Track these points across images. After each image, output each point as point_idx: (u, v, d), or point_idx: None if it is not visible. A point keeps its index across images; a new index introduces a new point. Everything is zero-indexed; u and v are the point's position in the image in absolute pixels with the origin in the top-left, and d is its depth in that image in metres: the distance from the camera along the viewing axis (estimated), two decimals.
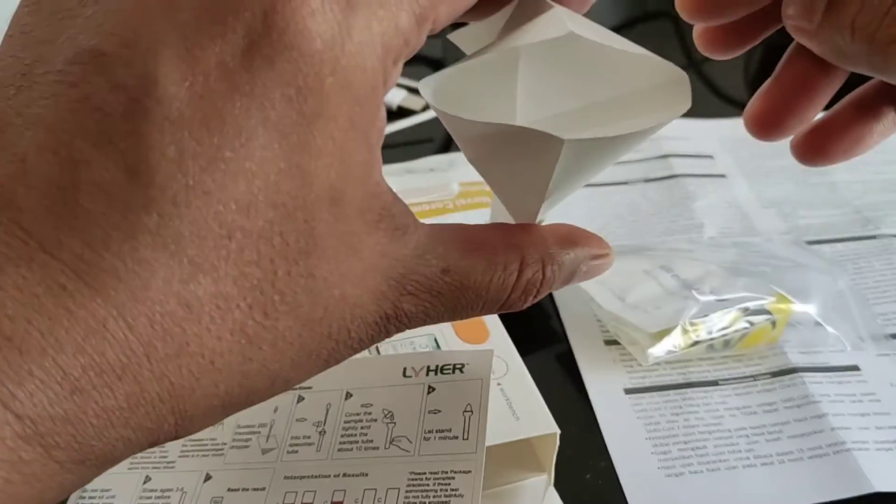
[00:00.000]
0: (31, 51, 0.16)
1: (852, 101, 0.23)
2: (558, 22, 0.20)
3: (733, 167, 0.47)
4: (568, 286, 0.22)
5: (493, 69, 0.21)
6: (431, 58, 0.55)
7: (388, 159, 0.49)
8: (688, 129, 0.50)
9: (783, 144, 0.51)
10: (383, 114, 0.17)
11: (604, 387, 0.35)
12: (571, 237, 0.21)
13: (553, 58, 0.21)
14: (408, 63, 0.56)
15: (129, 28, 0.15)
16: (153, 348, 0.15)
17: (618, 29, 0.62)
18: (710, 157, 0.48)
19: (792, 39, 0.22)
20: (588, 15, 0.63)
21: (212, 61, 0.14)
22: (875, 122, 0.23)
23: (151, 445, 0.16)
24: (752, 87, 0.56)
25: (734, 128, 0.50)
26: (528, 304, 0.20)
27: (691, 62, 0.56)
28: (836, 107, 0.23)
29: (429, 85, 0.19)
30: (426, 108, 0.50)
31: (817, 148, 0.24)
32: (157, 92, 0.14)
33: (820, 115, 0.24)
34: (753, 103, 0.24)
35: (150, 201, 0.14)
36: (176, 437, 0.16)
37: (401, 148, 0.48)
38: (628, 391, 0.35)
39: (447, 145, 0.48)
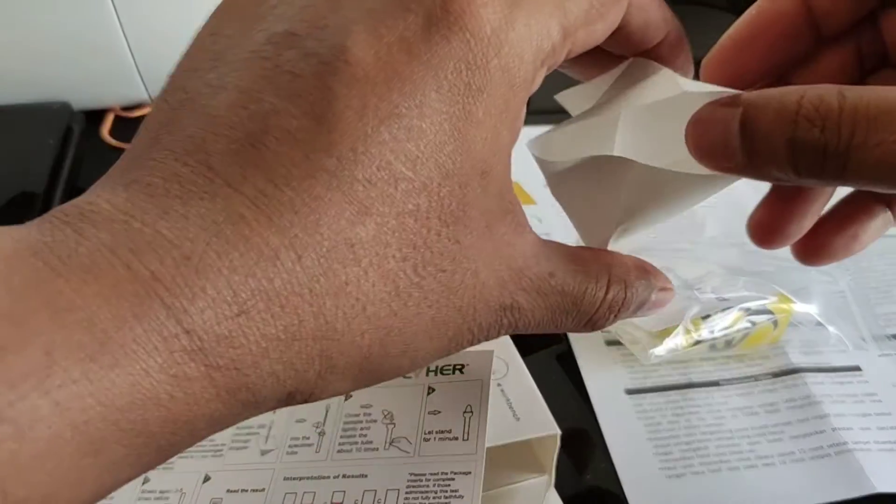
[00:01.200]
0: (221, 43, 0.18)
1: (845, 202, 0.24)
2: (670, 82, 0.21)
3: None
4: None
5: (595, 129, 0.22)
6: None
7: None
8: None
9: None
10: (524, 113, 0.19)
11: (605, 387, 0.35)
12: (645, 267, 0.23)
13: (653, 118, 0.22)
14: None
15: (318, 15, 0.17)
16: (317, 282, 0.15)
17: None
18: None
19: None
20: None
21: (395, 35, 0.16)
22: (868, 219, 0.24)
23: (290, 398, 0.16)
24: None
25: None
26: (608, 324, 0.22)
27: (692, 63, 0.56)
28: (831, 208, 0.25)
29: (536, 144, 0.22)
30: None
31: (816, 248, 0.25)
32: (345, 55, 0.16)
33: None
34: (754, 214, 0.26)
35: (331, 145, 0.15)
36: (311, 394, 0.17)
37: None
38: (629, 392, 0.35)
39: None
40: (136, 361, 0.14)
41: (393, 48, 0.16)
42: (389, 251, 0.16)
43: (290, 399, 0.17)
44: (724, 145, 0.19)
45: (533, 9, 0.17)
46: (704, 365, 0.35)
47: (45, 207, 0.36)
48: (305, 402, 0.17)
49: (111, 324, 0.14)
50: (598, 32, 0.20)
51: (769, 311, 0.35)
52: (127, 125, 0.50)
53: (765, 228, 0.25)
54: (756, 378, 0.35)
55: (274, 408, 0.17)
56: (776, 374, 0.35)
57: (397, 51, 0.16)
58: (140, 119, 0.50)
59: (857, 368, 0.35)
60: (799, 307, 0.35)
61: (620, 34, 0.21)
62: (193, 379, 0.15)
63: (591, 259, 0.21)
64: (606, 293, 0.21)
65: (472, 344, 0.19)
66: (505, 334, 0.20)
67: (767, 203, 0.25)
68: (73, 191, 0.40)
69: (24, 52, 0.45)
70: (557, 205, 0.46)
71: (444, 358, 0.21)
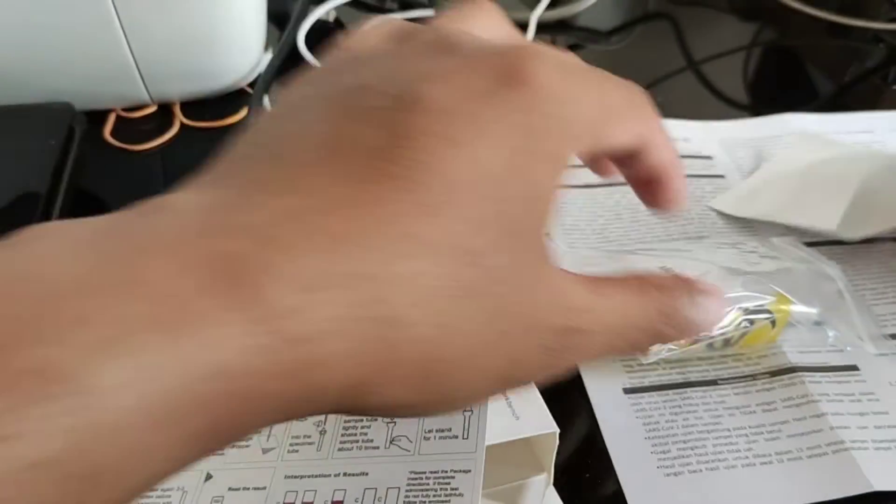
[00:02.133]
0: (298, 102, 0.20)
1: None
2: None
3: (732, 168, 0.47)
4: None
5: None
6: None
7: None
8: (687, 130, 0.50)
9: (782, 144, 0.51)
10: (567, 166, 0.20)
11: (603, 386, 0.35)
12: (679, 276, 0.23)
13: None
14: None
15: (392, 72, 0.19)
16: (385, 270, 0.16)
17: (618, 30, 0.62)
18: (710, 157, 0.48)
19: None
20: (589, 15, 0.63)
21: (464, 84, 0.18)
22: None
23: (352, 393, 0.17)
24: (752, 89, 0.56)
25: (734, 129, 0.50)
26: (671, 335, 0.22)
27: (690, 63, 0.56)
28: None
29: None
30: None
31: None
32: (418, 94, 0.18)
33: None
34: None
35: (402, 157, 0.17)
36: (374, 392, 0.17)
37: None
38: (627, 391, 0.35)
39: None
40: (209, 329, 0.14)
41: (463, 93, 0.18)
42: (457, 252, 0.17)
43: (354, 394, 0.17)
44: None
45: (583, 83, 0.20)
46: (702, 364, 0.36)
47: (48, 207, 0.36)
48: (365, 405, 0.17)
49: (188, 294, 0.14)
50: (620, 139, 0.22)
51: (767, 311, 0.35)
52: (128, 126, 0.50)
53: None
54: (754, 377, 0.35)
55: (334, 404, 0.17)
56: (774, 373, 0.35)
57: (466, 95, 0.18)
58: (141, 119, 0.50)
59: (855, 368, 0.35)
60: (797, 307, 0.36)
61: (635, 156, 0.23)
62: (265, 350, 0.15)
63: (618, 277, 0.22)
64: (654, 300, 0.22)
65: (536, 369, 0.20)
66: (573, 360, 0.20)
67: None
68: (76, 191, 0.40)
69: (27, 54, 0.45)
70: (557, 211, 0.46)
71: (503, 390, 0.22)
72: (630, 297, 0.21)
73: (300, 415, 0.17)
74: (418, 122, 0.18)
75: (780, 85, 0.56)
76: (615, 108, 0.21)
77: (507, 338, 0.19)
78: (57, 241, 0.15)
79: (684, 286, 0.23)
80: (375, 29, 0.23)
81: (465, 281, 0.17)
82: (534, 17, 0.55)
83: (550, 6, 0.57)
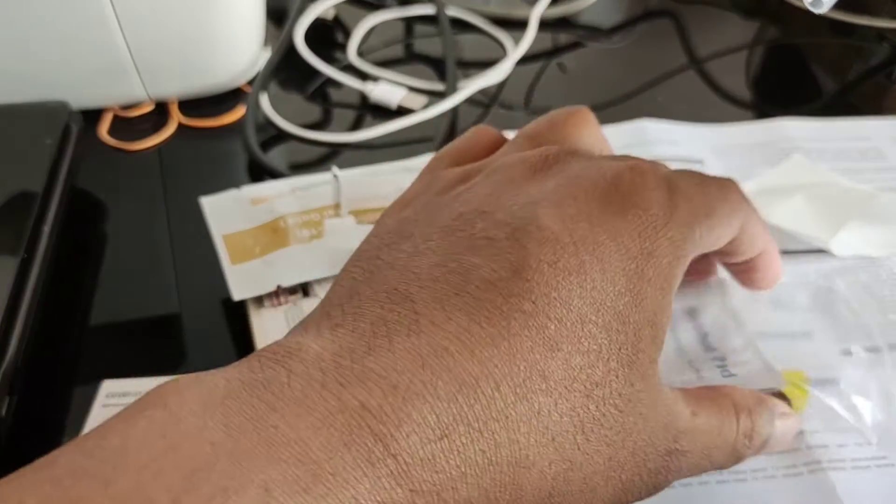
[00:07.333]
0: (409, 225, 0.20)
1: None
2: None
3: (723, 173, 0.46)
4: None
5: None
6: (431, 56, 0.55)
7: (387, 158, 0.48)
8: (676, 134, 0.49)
9: (778, 156, 0.50)
10: (678, 283, 0.21)
11: None
12: (760, 396, 0.24)
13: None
14: (407, 62, 0.57)
15: (505, 198, 0.20)
16: (513, 409, 0.17)
17: (620, 28, 0.61)
18: (700, 161, 0.47)
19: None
20: (590, 13, 0.63)
21: (575, 209, 0.19)
22: None
23: None
24: (754, 87, 0.56)
25: (727, 135, 0.49)
26: (749, 453, 0.24)
27: (692, 61, 0.56)
28: None
29: None
30: (426, 107, 0.50)
31: None
32: (536, 222, 0.19)
33: None
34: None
35: (528, 291, 0.18)
36: None
37: (400, 147, 0.48)
38: None
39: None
40: (345, 489, 0.14)
41: (576, 219, 0.19)
42: (576, 385, 0.18)
43: None
44: None
45: (687, 198, 0.21)
46: None
47: (44, 207, 0.36)
48: None
49: (323, 454, 0.14)
50: (723, 238, 0.23)
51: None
52: (125, 125, 0.49)
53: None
54: None
55: None
56: None
57: (580, 220, 0.19)
58: (138, 118, 0.50)
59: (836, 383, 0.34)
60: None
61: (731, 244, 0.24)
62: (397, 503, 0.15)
63: (713, 394, 0.23)
64: (738, 422, 0.22)
65: (643, 492, 0.20)
66: (669, 481, 0.21)
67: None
68: (72, 190, 0.40)
69: (22, 51, 0.45)
70: None
71: None
72: (720, 418, 0.22)
73: None
74: (537, 253, 0.18)
75: (782, 83, 0.56)
76: (717, 211, 0.22)
77: (622, 467, 0.19)
78: (190, 405, 0.15)
79: (766, 409, 0.24)
80: (469, 141, 0.24)
81: (584, 415, 0.18)
82: (535, 15, 0.55)
83: (552, 3, 0.57)
